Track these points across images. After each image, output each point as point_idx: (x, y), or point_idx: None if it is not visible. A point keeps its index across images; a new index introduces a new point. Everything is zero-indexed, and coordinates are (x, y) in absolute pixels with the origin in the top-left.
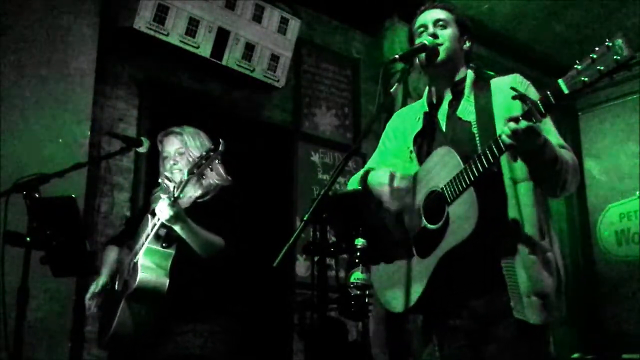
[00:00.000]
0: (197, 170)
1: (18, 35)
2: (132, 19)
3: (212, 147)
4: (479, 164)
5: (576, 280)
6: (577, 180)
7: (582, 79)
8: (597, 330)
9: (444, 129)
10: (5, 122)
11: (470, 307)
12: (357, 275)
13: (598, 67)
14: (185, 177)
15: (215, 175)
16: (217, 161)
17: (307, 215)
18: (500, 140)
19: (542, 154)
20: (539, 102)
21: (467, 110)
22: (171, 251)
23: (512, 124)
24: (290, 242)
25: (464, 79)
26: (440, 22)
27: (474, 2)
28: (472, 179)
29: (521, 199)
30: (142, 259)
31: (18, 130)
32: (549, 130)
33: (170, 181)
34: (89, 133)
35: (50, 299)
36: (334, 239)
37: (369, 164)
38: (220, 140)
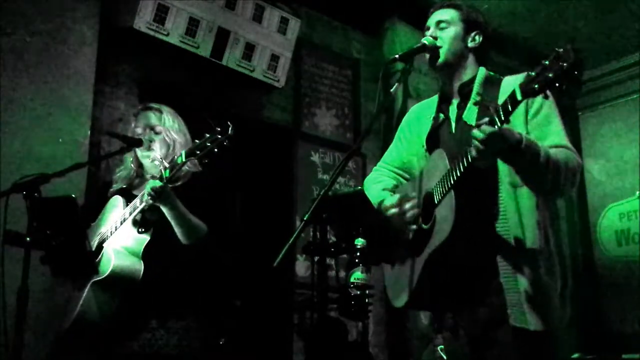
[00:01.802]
0: (200, 152)
1: (18, 35)
2: (132, 19)
3: (220, 129)
4: (457, 168)
5: (576, 280)
6: (574, 181)
7: (534, 85)
8: (597, 330)
9: (453, 131)
10: (5, 122)
11: (467, 310)
12: (357, 275)
13: (548, 74)
14: (183, 159)
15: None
16: (221, 147)
17: (307, 215)
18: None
19: (517, 155)
20: (499, 108)
21: (472, 113)
22: (146, 237)
23: (475, 132)
24: (290, 242)
25: (473, 79)
26: (442, 24)
27: (474, 1)
28: (453, 182)
29: (521, 204)
30: (113, 243)
31: (18, 130)
32: (552, 130)
33: (139, 163)
34: (89, 133)
35: (50, 299)
36: (334, 239)
37: (385, 157)
38: (230, 123)
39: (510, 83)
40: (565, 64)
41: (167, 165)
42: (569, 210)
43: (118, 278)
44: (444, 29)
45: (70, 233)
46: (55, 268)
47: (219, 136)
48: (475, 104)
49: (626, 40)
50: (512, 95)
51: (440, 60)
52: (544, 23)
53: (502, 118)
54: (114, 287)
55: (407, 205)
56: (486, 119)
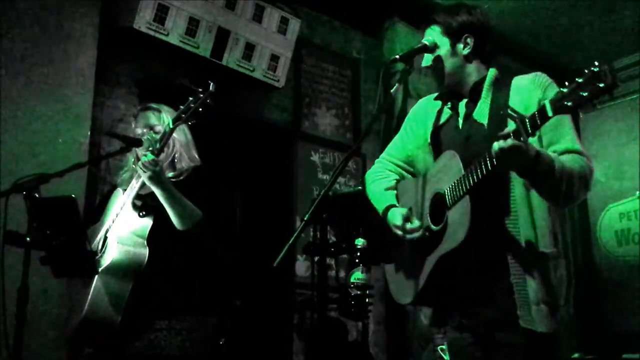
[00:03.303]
0: (185, 115)
1: (18, 36)
2: (132, 19)
3: (202, 89)
4: (474, 174)
5: (576, 281)
6: (587, 189)
7: (567, 103)
8: (597, 330)
9: (460, 128)
10: (5, 122)
11: (475, 310)
12: (357, 275)
13: (582, 93)
14: (170, 126)
15: (188, 160)
16: (205, 105)
17: (307, 215)
18: (488, 156)
19: (533, 169)
20: (527, 120)
21: (482, 112)
22: (149, 220)
23: (500, 142)
24: (290, 242)
25: (483, 79)
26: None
27: (474, 2)
28: (469, 187)
29: (534, 206)
30: (117, 230)
31: (18, 130)
32: (565, 134)
33: (138, 159)
34: (89, 133)
35: (50, 299)
36: (334, 239)
37: (388, 149)
38: (210, 82)
39: (521, 84)
40: (602, 85)
41: (156, 136)
42: (569, 210)
43: (122, 264)
44: (431, 52)
45: (70, 233)
46: (56, 268)
47: (201, 95)
48: (508, 116)
49: (626, 40)
50: (542, 110)
51: (445, 83)
52: (544, 23)
53: (529, 131)
54: (120, 275)
55: (410, 227)
56: (511, 129)
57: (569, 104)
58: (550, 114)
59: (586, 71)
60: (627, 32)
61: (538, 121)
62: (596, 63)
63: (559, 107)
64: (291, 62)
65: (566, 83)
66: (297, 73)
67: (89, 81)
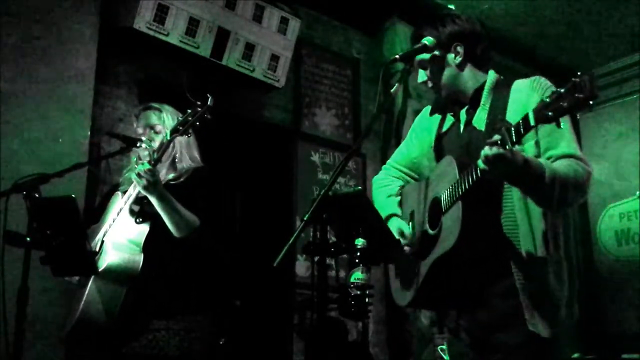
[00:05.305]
0: (182, 127)
1: (18, 36)
2: (132, 19)
3: (200, 103)
4: (466, 181)
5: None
6: (584, 192)
7: (548, 112)
8: (597, 330)
9: (460, 135)
10: (5, 122)
11: (472, 312)
12: (357, 275)
13: (562, 103)
14: (168, 138)
15: (188, 160)
16: (203, 119)
17: (307, 215)
18: (476, 164)
19: (521, 176)
20: (512, 129)
21: (481, 118)
22: (146, 227)
23: (485, 150)
24: (290, 242)
25: (483, 85)
26: (422, 65)
27: (474, 2)
28: (461, 193)
29: (532, 212)
30: (113, 235)
31: (18, 130)
32: (562, 139)
33: (140, 159)
34: (89, 133)
35: (50, 299)
36: (334, 239)
37: (395, 156)
38: (209, 95)
39: (520, 88)
40: (581, 96)
41: (156, 137)
42: (569, 210)
43: (116, 270)
44: (424, 68)
45: (70, 233)
46: (56, 268)
47: (199, 109)
48: (495, 124)
49: (626, 41)
50: (526, 119)
51: (443, 96)
52: (543, 24)
53: (514, 139)
54: (114, 280)
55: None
56: (498, 137)
57: (550, 113)
58: (532, 123)
59: (568, 82)
60: (627, 32)
61: (522, 130)
62: (578, 73)
63: (541, 116)
64: (291, 62)
65: (550, 92)
66: (297, 73)
67: (89, 81)
